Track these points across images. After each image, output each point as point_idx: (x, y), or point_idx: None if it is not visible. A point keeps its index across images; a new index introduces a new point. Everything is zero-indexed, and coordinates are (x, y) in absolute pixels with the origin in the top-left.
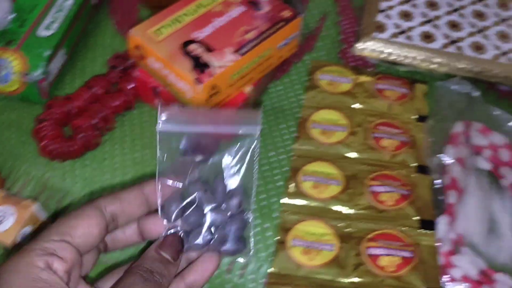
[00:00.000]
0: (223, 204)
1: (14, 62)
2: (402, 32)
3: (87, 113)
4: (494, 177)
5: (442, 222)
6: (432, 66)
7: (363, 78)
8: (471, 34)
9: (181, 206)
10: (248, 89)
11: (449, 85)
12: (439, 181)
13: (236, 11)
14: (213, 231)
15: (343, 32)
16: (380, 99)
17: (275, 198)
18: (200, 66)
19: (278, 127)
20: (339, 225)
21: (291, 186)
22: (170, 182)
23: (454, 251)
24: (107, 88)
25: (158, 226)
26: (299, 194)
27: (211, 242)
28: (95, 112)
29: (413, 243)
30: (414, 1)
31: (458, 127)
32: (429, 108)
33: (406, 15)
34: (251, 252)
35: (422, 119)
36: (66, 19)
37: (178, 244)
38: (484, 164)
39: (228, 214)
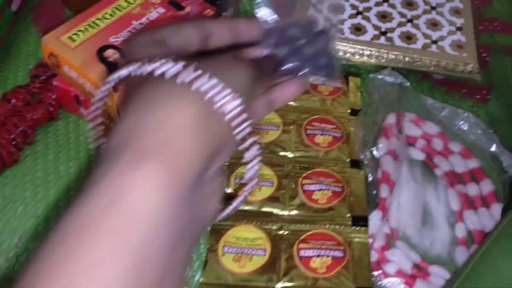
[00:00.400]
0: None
1: None
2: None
3: (3, 128)
4: (428, 167)
5: (374, 217)
6: (364, 59)
7: None
8: (401, 24)
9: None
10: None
11: (381, 77)
12: (371, 175)
13: (155, 12)
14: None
15: None
16: (313, 94)
17: None
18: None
19: None
20: (272, 228)
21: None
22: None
23: (388, 246)
24: (28, 99)
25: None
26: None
27: (303, 69)
28: (13, 127)
29: (345, 242)
30: None
31: (390, 119)
32: (363, 101)
33: (336, 8)
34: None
35: (354, 112)
36: None
37: (273, 62)
38: (418, 155)
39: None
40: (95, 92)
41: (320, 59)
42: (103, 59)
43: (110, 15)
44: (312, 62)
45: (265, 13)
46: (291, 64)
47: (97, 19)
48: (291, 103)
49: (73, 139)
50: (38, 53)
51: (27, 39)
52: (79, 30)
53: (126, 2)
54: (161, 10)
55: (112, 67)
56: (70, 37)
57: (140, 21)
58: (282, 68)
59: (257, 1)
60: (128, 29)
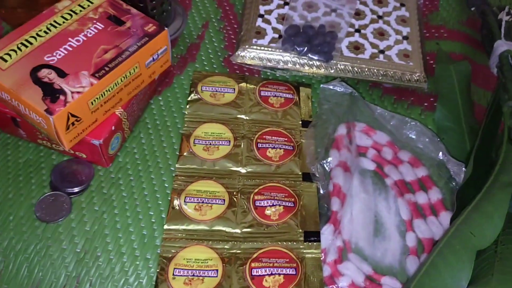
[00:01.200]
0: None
1: None
2: (281, 37)
3: None
4: (379, 176)
5: (326, 232)
6: (314, 69)
7: (247, 86)
8: (349, 34)
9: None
10: (119, 111)
11: (332, 87)
12: (322, 188)
13: (94, 28)
14: None
15: (227, 38)
16: (264, 107)
17: (157, 225)
18: (52, 93)
19: (161, 145)
20: (224, 247)
21: (173, 210)
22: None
23: (340, 259)
24: None
25: None
26: (181, 218)
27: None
28: None
29: (298, 258)
30: (292, 3)
31: (341, 130)
32: (314, 112)
33: (284, 18)
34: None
35: (305, 124)
36: None
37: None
38: (369, 164)
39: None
40: (32, 115)
41: (323, 47)
42: (37, 80)
43: (45, 32)
44: (317, 48)
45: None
46: (301, 48)
47: (31, 36)
48: (242, 116)
49: (12, 162)
50: None
51: None
52: (11, 49)
53: (62, 18)
54: (100, 26)
55: (47, 88)
56: (1, 57)
57: (76, 38)
58: (298, 49)
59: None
60: (64, 46)
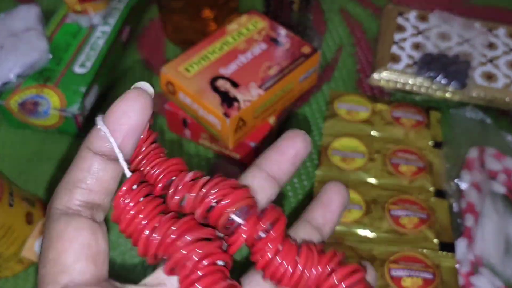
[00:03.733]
0: None
1: (53, 99)
2: (416, 63)
3: None
4: (508, 200)
5: (461, 245)
6: (447, 95)
7: (380, 107)
8: (482, 64)
9: None
10: (271, 119)
11: (463, 113)
12: (456, 205)
13: (258, 48)
14: None
15: (358, 62)
16: (397, 126)
17: None
18: (227, 100)
19: None
20: (362, 248)
21: None
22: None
23: (473, 272)
24: None
25: None
26: None
27: (445, 77)
28: None
29: (434, 265)
30: (426, 33)
31: (472, 153)
32: (444, 134)
33: (418, 47)
34: None
35: (437, 145)
36: (98, 57)
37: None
38: (499, 188)
39: None
40: (209, 117)
41: (457, 75)
42: (215, 89)
43: (219, 49)
44: (451, 75)
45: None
46: (436, 74)
47: (208, 53)
48: (375, 133)
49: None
50: (143, 79)
51: (133, 66)
52: (193, 63)
53: (232, 38)
54: (263, 46)
55: (223, 95)
56: (186, 68)
57: (245, 55)
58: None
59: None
60: (235, 62)
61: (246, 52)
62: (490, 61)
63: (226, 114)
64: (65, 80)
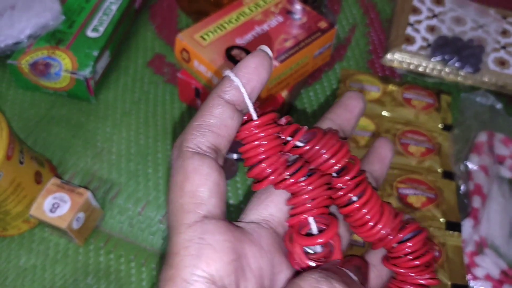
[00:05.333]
0: None
1: (65, 61)
2: (430, 45)
3: None
4: None
5: (467, 225)
6: (459, 79)
7: (391, 88)
8: (495, 50)
9: None
10: (284, 93)
11: (474, 97)
12: (463, 186)
13: (275, 20)
14: None
15: (371, 43)
16: (407, 107)
17: None
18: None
19: None
20: None
21: None
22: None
23: (477, 252)
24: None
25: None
26: None
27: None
28: None
29: (440, 243)
30: (442, 16)
31: (482, 137)
32: (453, 118)
33: (433, 30)
34: None
35: (447, 128)
36: (111, 23)
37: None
38: (506, 173)
39: None
40: None
41: (470, 59)
42: (230, 58)
43: (236, 20)
44: (465, 59)
45: None
46: (450, 57)
47: (225, 22)
48: (386, 113)
49: None
50: (154, 48)
51: (145, 34)
52: (209, 31)
53: (249, 9)
54: (280, 18)
55: None
56: (201, 36)
57: (261, 27)
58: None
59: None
60: (252, 33)
61: (263, 24)
62: (504, 47)
63: None
64: (78, 43)
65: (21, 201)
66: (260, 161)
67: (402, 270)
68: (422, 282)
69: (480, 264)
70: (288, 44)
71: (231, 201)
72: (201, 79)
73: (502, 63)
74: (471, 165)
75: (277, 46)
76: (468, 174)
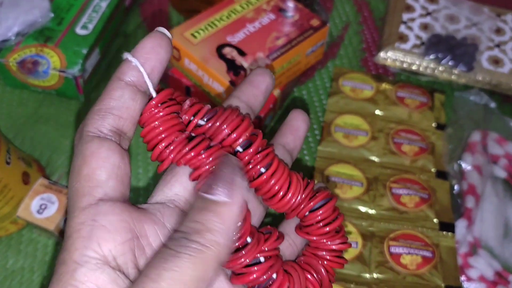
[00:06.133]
0: None
1: (53, 59)
2: (423, 44)
3: None
4: (509, 185)
5: (460, 225)
6: (453, 77)
7: (384, 86)
8: (489, 48)
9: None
10: (276, 92)
11: (467, 96)
12: (457, 186)
13: (267, 18)
14: None
15: (364, 41)
16: (401, 106)
17: None
18: (234, 68)
19: None
20: (362, 224)
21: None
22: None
23: (471, 253)
24: None
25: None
26: None
27: (451, 59)
28: None
29: (433, 244)
30: (435, 14)
31: (475, 136)
32: (447, 117)
33: (426, 27)
34: None
35: (440, 127)
36: (100, 20)
37: (231, 165)
38: (500, 172)
39: None
40: (214, 85)
41: (464, 57)
42: (221, 56)
43: (227, 17)
44: (459, 57)
45: None
46: (443, 56)
47: (216, 20)
48: (379, 112)
49: None
50: None
51: (135, 32)
52: (200, 29)
53: (241, 7)
54: (272, 16)
55: (229, 63)
56: (192, 34)
57: (253, 25)
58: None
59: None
60: (243, 30)
61: (254, 22)
62: (498, 46)
63: (232, 82)
64: (66, 40)
65: (8, 202)
66: (159, 142)
67: (314, 238)
68: (334, 247)
69: (474, 265)
70: (280, 42)
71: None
72: (191, 77)
73: (496, 61)
74: (464, 165)
75: (269, 44)
76: (461, 174)
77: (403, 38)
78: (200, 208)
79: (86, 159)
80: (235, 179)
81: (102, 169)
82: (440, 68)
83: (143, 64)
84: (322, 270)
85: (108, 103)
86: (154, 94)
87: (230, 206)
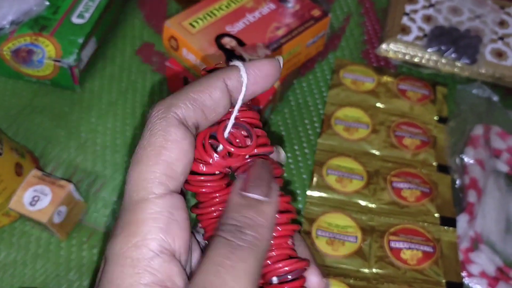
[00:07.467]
0: None
1: (48, 48)
2: (426, 36)
3: None
4: (511, 179)
5: (462, 220)
6: (455, 70)
7: (386, 79)
8: (493, 41)
9: None
10: (276, 83)
11: (470, 89)
12: (459, 180)
13: (267, 8)
14: None
15: (366, 33)
16: (402, 99)
17: (300, 190)
18: (233, 59)
19: (302, 121)
20: (362, 218)
21: (316, 179)
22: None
23: (472, 248)
24: None
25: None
26: (323, 187)
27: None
28: None
29: (434, 239)
30: (438, 6)
31: (478, 130)
32: (449, 110)
33: (429, 19)
34: None
35: (442, 120)
36: (97, 9)
37: (266, 170)
38: (502, 167)
39: None
40: None
41: (467, 50)
42: (220, 46)
43: (226, 6)
44: (462, 50)
45: None
46: (446, 48)
47: (215, 9)
48: (380, 104)
49: None
50: (143, 36)
51: (133, 22)
52: (198, 18)
53: None
54: (272, 6)
55: (228, 53)
56: (191, 24)
57: (253, 14)
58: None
59: None
60: (243, 20)
61: (254, 11)
62: (501, 38)
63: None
64: (62, 29)
65: (0, 193)
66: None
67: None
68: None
69: (475, 261)
70: (280, 32)
71: None
72: (190, 68)
73: (499, 54)
74: (466, 159)
75: (268, 35)
76: (463, 168)
77: (405, 30)
78: (243, 205)
79: (167, 145)
80: (272, 181)
81: (181, 163)
82: (443, 61)
83: (249, 85)
84: None
85: (205, 99)
86: (235, 112)
87: (270, 204)
